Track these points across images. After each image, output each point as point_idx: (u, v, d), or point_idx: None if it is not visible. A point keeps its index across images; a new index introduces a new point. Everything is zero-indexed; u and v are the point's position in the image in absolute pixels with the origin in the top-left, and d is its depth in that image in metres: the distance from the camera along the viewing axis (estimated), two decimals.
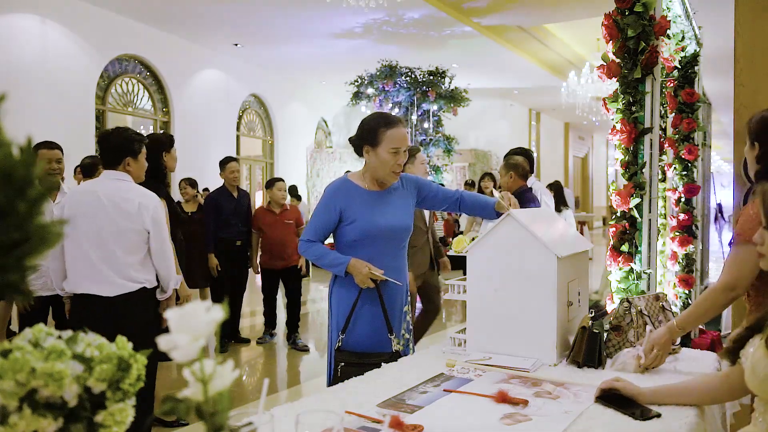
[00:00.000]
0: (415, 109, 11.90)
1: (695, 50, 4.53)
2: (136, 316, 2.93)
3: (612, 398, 1.61)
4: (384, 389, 1.73)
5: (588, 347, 1.96)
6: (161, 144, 3.72)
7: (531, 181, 4.81)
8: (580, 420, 1.52)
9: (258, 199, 13.10)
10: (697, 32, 4.61)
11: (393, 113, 11.76)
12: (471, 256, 2.15)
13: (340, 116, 15.78)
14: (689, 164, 4.52)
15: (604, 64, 3.14)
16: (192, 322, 0.63)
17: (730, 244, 1.92)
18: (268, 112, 14.36)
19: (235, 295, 5.87)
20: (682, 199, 4.35)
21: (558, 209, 6.44)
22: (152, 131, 11.00)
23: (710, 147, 6.54)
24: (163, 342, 0.62)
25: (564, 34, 12.27)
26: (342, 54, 12.09)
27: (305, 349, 5.79)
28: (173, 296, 3.17)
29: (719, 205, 10.37)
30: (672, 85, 4.44)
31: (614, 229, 3.01)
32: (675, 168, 4.43)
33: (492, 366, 1.95)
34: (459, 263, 9.89)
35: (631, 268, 2.96)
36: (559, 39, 12.43)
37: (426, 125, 11.98)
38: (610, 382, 1.64)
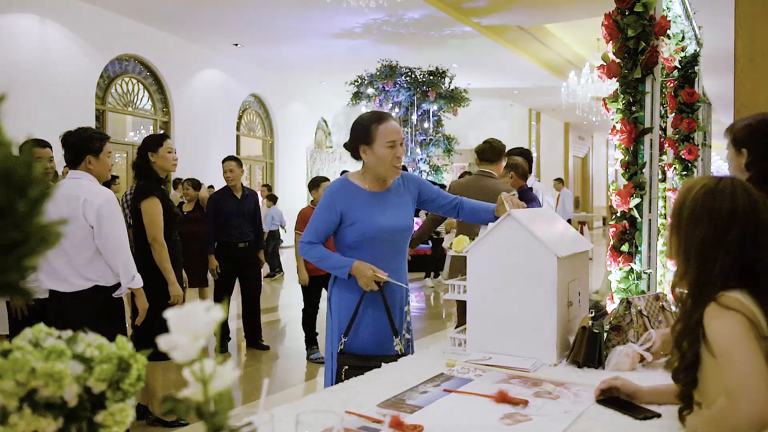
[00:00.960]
0: (415, 109, 11.91)
1: (695, 50, 4.53)
2: (82, 313, 2.93)
3: (612, 399, 1.61)
4: (384, 389, 1.73)
5: (588, 347, 1.96)
6: (146, 144, 3.72)
7: (530, 181, 4.82)
8: (580, 420, 1.52)
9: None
10: (697, 32, 4.61)
11: (393, 113, 11.77)
12: (471, 256, 2.15)
13: (340, 116, 15.79)
14: (689, 164, 4.52)
15: (604, 64, 3.14)
16: (192, 322, 0.63)
17: None
18: (268, 112, 14.37)
19: (247, 299, 5.73)
20: None
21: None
22: (152, 131, 11.00)
23: (710, 147, 6.54)
24: (163, 342, 0.62)
25: (564, 34, 12.27)
26: (342, 54, 12.09)
27: (320, 362, 5.32)
28: (141, 295, 3.16)
29: None
30: (672, 85, 4.44)
31: (614, 229, 3.01)
32: (675, 168, 4.43)
33: (492, 366, 1.95)
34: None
35: (631, 268, 2.96)
36: (559, 39, 12.44)
37: (426, 125, 11.98)
38: (609, 381, 1.64)
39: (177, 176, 8.45)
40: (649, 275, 2.88)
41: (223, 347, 5.63)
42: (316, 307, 5.42)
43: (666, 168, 4.32)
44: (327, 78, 14.31)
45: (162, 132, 10.99)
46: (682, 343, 1.39)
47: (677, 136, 4.47)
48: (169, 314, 0.63)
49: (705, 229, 1.35)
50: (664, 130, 4.33)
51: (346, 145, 2.51)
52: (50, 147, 3.84)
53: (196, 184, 6.56)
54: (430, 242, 8.68)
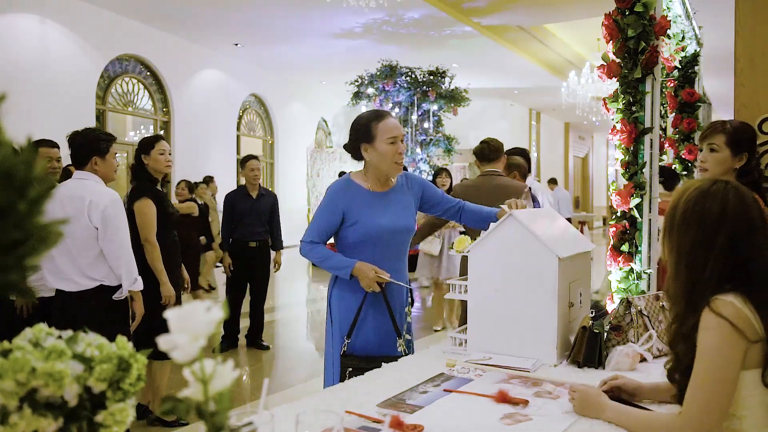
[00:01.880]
0: (415, 109, 11.90)
1: (695, 50, 4.53)
2: (86, 313, 2.94)
3: (613, 398, 1.61)
4: (384, 389, 1.73)
5: (588, 347, 1.96)
6: (140, 146, 3.73)
7: (529, 181, 4.82)
8: (581, 420, 1.52)
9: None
10: (697, 32, 4.61)
11: (393, 113, 11.77)
12: (472, 256, 2.15)
13: (340, 116, 15.79)
14: (689, 164, 4.52)
15: (604, 64, 3.14)
16: (192, 322, 0.63)
17: None
18: (268, 112, 14.37)
19: (256, 299, 5.77)
20: None
21: None
22: (152, 131, 11.00)
23: None
24: (163, 342, 0.62)
25: (564, 34, 12.27)
26: (342, 54, 12.09)
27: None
28: (138, 299, 3.15)
29: None
30: (672, 85, 4.44)
31: (614, 229, 3.01)
32: (675, 168, 4.43)
33: (492, 366, 1.95)
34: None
35: (631, 268, 2.96)
36: (559, 39, 12.44)
37: (426, 125, 11.98)
38: (610, 383, 1.64)
39: (184, 177, 8.43)
40: (649, 275, 2.88)
41: (223, 347, 5.64)
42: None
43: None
44: (327, 78, 14.31)
45: (160, 133, 10.99)
46: (679, 346, 1.40)
47: (677, 136, 4.47)
48: (170, 314, 0.63)
49: (695, 231, 1.36)
50: (664, 130, 4.33)
51: (346, 146, 2.51)
52: (58, 147, 3.84)
53: (191, 187, 6.55)
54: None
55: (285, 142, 14.59)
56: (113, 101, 10.30)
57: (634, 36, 2.95)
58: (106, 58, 9.91)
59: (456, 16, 10.04)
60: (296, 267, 11.15)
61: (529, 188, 4.46)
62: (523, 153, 4.72)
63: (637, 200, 2.91)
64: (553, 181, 14.36)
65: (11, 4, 8.27)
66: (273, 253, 5.84)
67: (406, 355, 2.38)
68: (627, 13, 2.99)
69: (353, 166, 2.69)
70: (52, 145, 3.79)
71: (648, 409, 1.55)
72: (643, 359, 1.98)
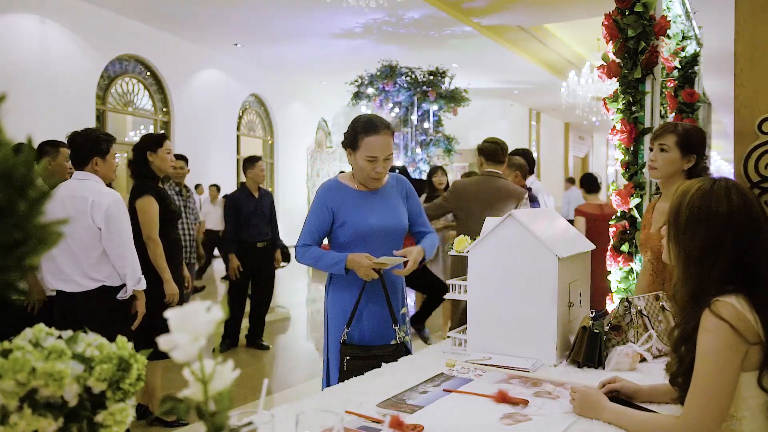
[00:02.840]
0: (415, 109, 11.90)
1: (695, 50, 4.53)
2: (89, 314, 2.94)
3: (612, 399, 1.61)
4: (384, 389, 1.73)
5: (588, 347, 1.96)
6: (146, 144, 3.72)
7: (530, 181, 4.82)
8: (580, 420, 1.52)
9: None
10: (697, 32, 4.61)
11: (393, 113, 11.76)
12: (472, 256, 2.15)
13: (340, 116, 15.78)
14: None
15: (604, 64, 3.14)
16: (192, 322, 0.63)
17: None
18: (268, 112, 14.37)
19: (260, 299, 5.77)
20: None
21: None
22: (152, 131, 11.00)
23: (710, 147, 6.54)
24: (163, 342, 0.62)
25: (564, 34, 12.27)
26: (342, 54, 12.09)
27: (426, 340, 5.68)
28: (142, 298, 3.14)
29: None
30: (672, 85, 4.44)
31: (614, 229, 3.02)
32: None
33: (492, 366, 1.95)
34: None
35: (631, 268, 2.96)
36: (559, 39, 12.44)
37: (426, 125, 11.97)
38: (608, 386, 1.64)
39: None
40: None
41: (223, 347, 5.63)
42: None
43: None
44: (327, 78, 14.31)
45: (162, 132, 10.98)
46: (681, 348, 1.40)
47: None
48: (170, 314, 0.63)
49: (704, 232, 1.35)
50: None
51: (343, 142, 2.51)
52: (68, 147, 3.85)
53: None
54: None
55: (285, 142, 14.59)
56: (113, 101, 10.30)
57: (634, 36, 2.95)
58: (106, 58, 9.91)
59: (456, 16, 10.04)
60: (296, 267, 11.15)
61: (529, 189, 4.46)
62: (526, 153, 4.72)
63: (637, 200, 2.91)
64: (570, 181, 14.12)
65: (11, 4, 8.27)
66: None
67: (403, 343, 2.41)
68: (627, 13, 2.99)
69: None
70: (61, 145, 3.79)
71: (648, 410, 1.55)
72: (643, 359, 1.98)
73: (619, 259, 2.97)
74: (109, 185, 3.18)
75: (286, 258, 5.97)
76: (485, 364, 1.96)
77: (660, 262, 2.36)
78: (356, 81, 12.01)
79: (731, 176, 3.57)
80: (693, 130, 2.40)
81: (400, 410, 1.55)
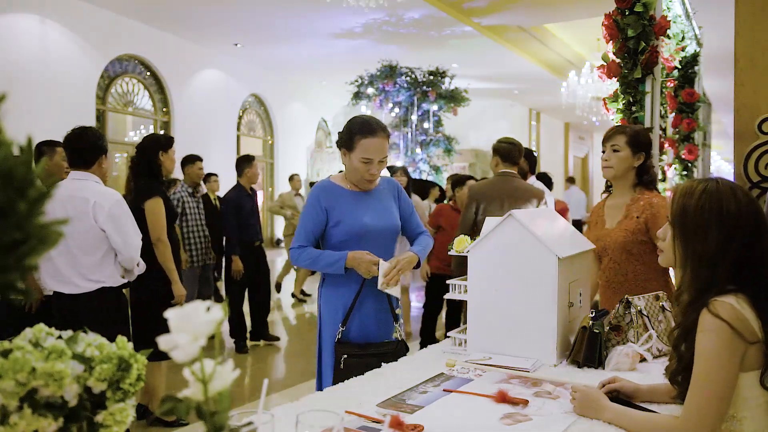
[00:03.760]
0: (415, 109, 11.89)
1: (695, 50, 4.53)
2: (89, 315, 2.92)
3: (612, 399, 1.61)
4: (384, 389, 1.73)
5: (588, 347, 1.96)
6: (159, 143, 3.71)
7: (530, 182, 4.81)
8: (580, 420, 1.52)
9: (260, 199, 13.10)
10: (697, 32, 4.61)
11: (393, 113, 11.75)
12: (472, 256, 2.15)
13: (340, 116, 15.77)
14: (689, 164, 4.52)
15: (604, 64, 3.14)
16: (192, 322, 0.63)
17: None
18: (268, 112, 14.37)
19: (262, 296, 5.81)
20: None
21: None
22: (152, 131, 11.00)
23: (710, 147, 6.54)
24: (163, 342, 0.62)
25: (564, 34, 12.26)
26: (342, 54, 12.08)
27: None
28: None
29: None
30: (672, 85, 4.45)
31: None
32: (675, 168, 4.43)
33: (492, 366, 1.95)
34: None
35: None
36: (559, 39, 12.43)
37: (426, 125, 11.97)
38: (608, 386, 1.64)
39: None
40: None
41: (239, 348, 5.65)
42: (436, 310, 5.33)
43: (666, 168, 4.32)
44: (327, 78, 14.30)
45: (162, 132, 10.99)
46: (680, 345, 1.40)
47: (677, 136, 4.47)
48: (170, 314, 0.63)
49: (716, 232, 1.35)
50: (664, 130, 4.33)
51: (337, 141, 2.50)
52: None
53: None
54: None
55: (285, 142, 14.58)
56: (113, 101, 10.30)
57: (634, 36, 2.95)
58: (106, 58, 9.91)
59: (456, 16, 10.03)
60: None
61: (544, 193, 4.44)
62: (528, 154, 4.70)
63: None
64: (570, 180, 14.08)
65: (11, 4, 8.26)
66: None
67: (401, 340, 2.42)
68: (627, 13, 2.99)
69: None
70: (58, 144, 3.79)
71: (648, 410, 1.55)
72: (643, 359, 1.98)
73: None
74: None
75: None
76: (485, 364, 1.96)
77: (623, 254, 2.48)
78: (356, 81, 12.00)
79: (731, 176, 3.57)
80: (641, 130, 2.55)
81: (400, 410, 1.55)
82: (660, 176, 3.50)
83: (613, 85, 3.15)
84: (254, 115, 14.08)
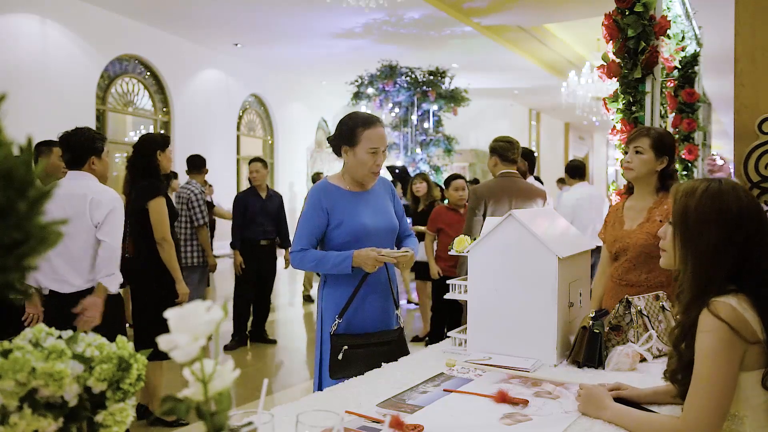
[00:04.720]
0: (415, 109, 11.89)
1: (695, 50, 4.53)
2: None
3: (615, 400, 1.61)
4: (384, 389, 1.73)
5: (588, 347, 1.96)
6: (156, 143, 3.72)
7: (530, 182, 4.80)
8: (581, 420, 1.52)
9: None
10: (697, 32, 4.61)
11: (393, 113, 11.75)
12: (472, 256, 2.15)
13: (340, 116, 15.74)
14: (689, 164, 4.52)
15: (605, 64, 3.14)
16: (192, 322, 0.63)
17: None
18: (268, 112, 14.37)
19: (261, 294, 5.94)
20: None
21: None
22: (152, 131, 11.00)
23: (710, 147, 6.54)
24: (163, 342, 0.62)
25: (564, 34, 12.26)
26: (342, 54, 12.08)
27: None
28: (99, 296, 2.95)
29: None
30: (672, 85, 4.45)
31: None
32: (675, 168, 4.43)
33: (492, 366, 1.95)
34: None
35: None
36: (559, 39, 12.43)
37: (426, 125, 11.97)
38: (613, 392, 1.63)
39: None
40: None
41: (233, 344, 5.72)
42: (444, 310, 5.28)
43: None
44: (327, 78, 14.31)
45: (162, 132, 10.99)
46: (680, 345, 1.40)
47: (677, 136, 4.47)
48: (170, 314, 0.63)
49: (716, 231, 1.35)
50: None
51: (329, 139, 2.50)
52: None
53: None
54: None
55: (285, 142, 14.58)
56: (113, 101, 10.30)
57: (634, 36, 2.95)
58: (106, 58, 9.91)
59: (456, 16, 10.04)
60: None
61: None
62: (528, 154, 4.68)
63: None
64: (561, 182, 14.11)
65: (11, 4, 8.26)
66: (282, 251, 6.02)
67: (401, 329, 2.46)
68: (627, 13, 2.99)
69: None
70: (54, 144, 3.78)
71: (649, 410, 1.55)
72: (643, 359, 1.98)
73: None
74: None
75: None
76: (485, 364, 1.96)
77: (641, 256, 2.46)
78: (356, 81, 12.01)
79: (731, 176, 3.57)
80: (665, 134, 2.53)
81: (400, 410, 1.55)
82: None
83: (613, 85, 3.15)
84: (254, 115, 14.08)
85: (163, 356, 0.83)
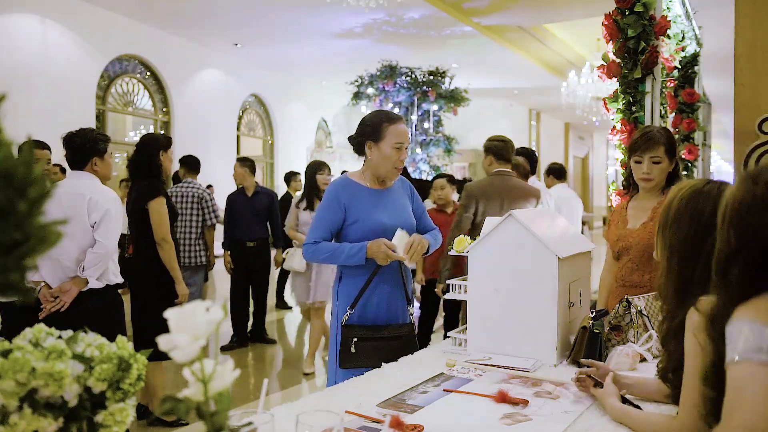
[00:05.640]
0: (415, 109, 11.89)
1: (695, 50, 4.53)
2: (80, 315, 2.89)
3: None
4: (384, 389, 1.73)
5: (588, 347, 1.96)
6: (159, 143, 3.72)
7: (531, 182, 4.81)
8: (580, 420, 1.52)
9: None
10: (697, 32, 4.61)
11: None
12: (472, 256, 2.15)
13: (340, 116, 15.77)
14: (689, 164, 4.52)
15: (604, 64, 3.14)
16: (192, 322, 0.63)
17: None
18: (268, 112, 14.37)
19: (255, 295, 5.89)
20: None
21: None
22: (152, 131, 10.99)
23: (710, 147, 6.54)
24: (163, 342, 0.62)
25: (564, 34, 12.26)
26: (342, 54, 12.09)
27: None
28: (78, 287, 2.92)
29: None
30: (672, 85, 4.45)
31: None
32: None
33: (492, 366, 1.95)
34: None
35: None
36: (559, 39, 12.43)
37: (426, 125, 11.96)
38: (586, 370, 1.67)
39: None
40: None
41: (233, 345, 5.71)
42: (432, 314, 5.19)
43: None
44: (327, 78, 14.31)
45: (162, 132, 10.99)
46: (669, 344, 1.41)
47: (677, 136, 4.47)
48: (170, 314, 0.63)
49: (687, 229, 1.37)
50: None
51: (350, 138, 2.50)
52: (49, 149, 3.82)
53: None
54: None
55: (285, 142, 14.58)
56: (113, 101, 10.30)
57: (634, 36, 2.95)
58: (106, 58, 9.91)
59: (456, 16, 10.04)
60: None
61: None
62: (530, 154, 4.67)
63: None
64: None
65: (11, 4, 8.26)
66: (273, 251, 5.90)
67: (413, 325, 2.48)
68: (627, 13, 2.99)
69: (353, 166, 2.70)
70: (44, 146, 3.77)
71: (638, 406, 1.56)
72: (643, 359, 1.98)
73: None
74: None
75: None
76: (485, 364, 1.96)
77: (644, 255, 2.46)
78: (356, 81, 12.00)
79: (731, 176, 3.56)
80: (671, 135, 2.52)
81: (400, 410, 1.55)
82: None
83: (613, 85, 3.15)
84: (254, 115, 14.09)
85: (163, 356, 0.83)
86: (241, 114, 13.45)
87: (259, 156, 14.35)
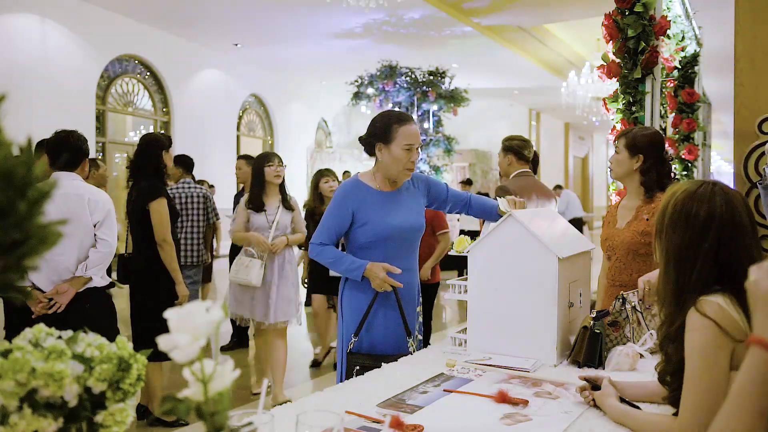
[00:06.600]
0: (415, 109, 11.90)
1: (695, 50, 4.53)
2: (77, 314, 2.90)
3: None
4: (384, 389, 1.73)
5: (589, 347, 1.96)
6: (161, 143, 3.71)
7: None
8: (580, 420, 1.52)
9: None
10: (697, 32, 4.61)
11: None
12: (472, 256, 2.15)
13: (340, 116, 15.78)
14: (689, 164, 4.53)
15: (604, 64, 3.14)
16: (192, 323, 0.63)
17: None
18: (268, 112, 14.37)
19: None
20: None
21: None
22: (152, 131, 10.99)
23: (710, 147, 6.54)
24: (163, 342, 0.62)
25: (564, 34, 12.27)
26: (342, 54, 12.09)
27: None
28: (76, 287, 2.92)
29: None
30: (672, 85, 4.45)
31: None
32: (675, 168, 4.43)
33: (492, 366, 1.95)
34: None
35: None
36: (559, 39, 12.44)
37: (426, 125, 11.98)
38: (587, 375, 1.67)
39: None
40: None
41: (233, 345, 5.72)
42: (427, 314, 4.90)
43: None
44: (327, 78, 14.31)
45: (162, 132, 10.99)
46: (668, 347, 1.41)
47: (677, 136, 4.47)
48: (170, 314, 0.63)
49: (682, 233, 1.37)
50: (664, 130, 4.33)
51: (361, 139, 2.48)
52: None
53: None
54: None
55: (285, 142, 14.59)
56: (113, 101, 10.30)
57: (634, 36, 2.95)
58: (106, 58, 9.91)
59: (456, 16, 10.04)
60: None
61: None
62: (534, 155, 4.65)
63: None
64: (557, 187, 14.08)
65: (11, 4, 8.27)
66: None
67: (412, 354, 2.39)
68: (627, 13, 2.99)
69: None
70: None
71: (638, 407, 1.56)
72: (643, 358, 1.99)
73: None
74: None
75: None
76: (485, 364, 1.96)
77: (629, 254, 2.50)
78: (356, 81, 12.01)
79: (731, 176, 3.57)
80: (639, 133, 2.54)
81: (400, 410, 1.55)
82: None
83: (613, 85, 3.15)
84: (254, 115, 14.09)
85: (163, 356, 0.83)
86: (241, 114, 13.46)
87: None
